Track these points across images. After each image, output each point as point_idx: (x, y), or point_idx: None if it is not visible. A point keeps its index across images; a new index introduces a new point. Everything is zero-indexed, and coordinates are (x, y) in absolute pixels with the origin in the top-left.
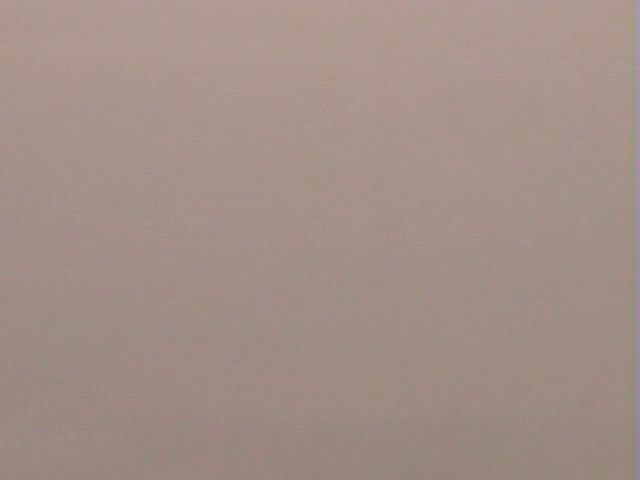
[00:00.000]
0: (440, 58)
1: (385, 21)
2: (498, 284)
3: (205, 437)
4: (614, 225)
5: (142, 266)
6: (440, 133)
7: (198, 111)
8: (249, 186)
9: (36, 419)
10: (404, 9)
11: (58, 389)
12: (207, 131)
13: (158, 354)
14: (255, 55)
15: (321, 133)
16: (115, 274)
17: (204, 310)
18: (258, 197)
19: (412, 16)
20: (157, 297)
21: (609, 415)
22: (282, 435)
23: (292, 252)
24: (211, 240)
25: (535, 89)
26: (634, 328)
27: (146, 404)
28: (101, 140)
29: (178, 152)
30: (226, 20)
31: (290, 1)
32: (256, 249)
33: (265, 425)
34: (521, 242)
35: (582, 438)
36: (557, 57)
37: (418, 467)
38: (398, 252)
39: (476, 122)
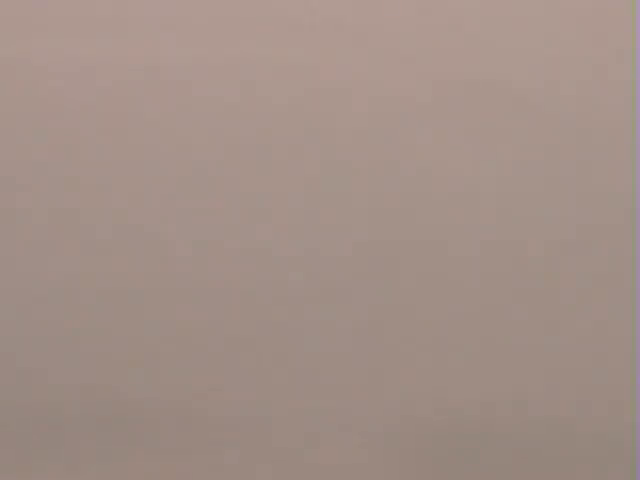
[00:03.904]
0: (440, 58)
1: (385, 21)
2: (498, 283)
3: (204, 436)
4: (614, 225)
5: (144, 267)
6: (441, 133)
7: (198, 111)
8: (248, 186)
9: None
10: (404, 9)
11: (60, 387)
12: (207, 131)
13: (158, 354)
14: (254, 55)
15: (321, 133)
16: (114, 274)
17: (205, 310)
18: (257, 197)
19: (412, 16)
20: (157, 298)
21: (609, 415)
22: (281, 434)
23: (291, 251)
24: (211, 239)
25: (535, 89)
26: (634, 328)
27: (146, 403)
28: (101, 140)
29: (177, 151)
30: (226, 20)
31: (290, 1)
32: (255, 248)
33: (264, 424)
34: (521, 242)
35: (582, 438)
36: (557, 57)
37: (418, 467)
38: (398, 252)
39: (476, 122)
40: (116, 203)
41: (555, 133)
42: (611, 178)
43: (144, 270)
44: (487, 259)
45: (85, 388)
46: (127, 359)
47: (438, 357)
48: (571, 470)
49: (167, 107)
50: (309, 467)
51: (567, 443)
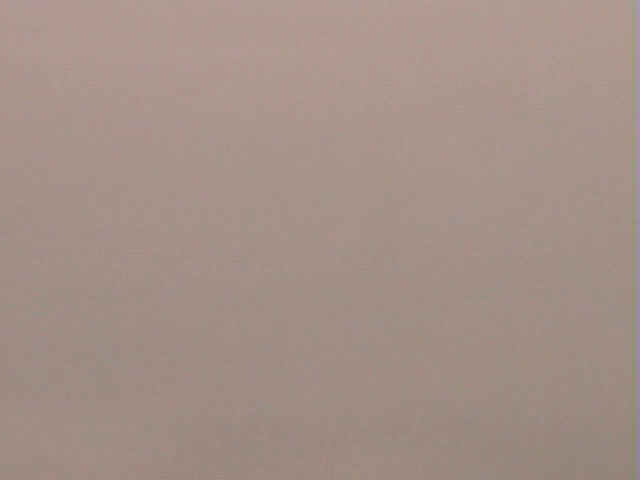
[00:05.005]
0: (440, 58)
1: (385, 21)
2: (498, 283)
3: (205, 436)
4: (614, 225)
5: (142, 266)
6: (440, 133)
7: (198, 111)
8: (248, 186)
9: (37, 417)
10: (404, 9)
11: (60, 388)
12: (206, 131)
13: (158, 354)
14: (255, 55)
15: (321, 133)
16: (115, 274)
17: (204, 310)
18: (257, 197)
19: (412, 16)
20: (157, 297)
21: (609, 415)
22: (279, 435)
23: (291, 252)
24: (210, 240)
25: (535, 89)
26: (634, 328)
27: (148, 403)
28: (100, 140)
29: (178, 152)
30: (226, 20)
31: (290, 1)
32: (255, 249)
33: (262, 424)
34: (521, 241)
35: (582, 438)
36: (557, 57)
37: (418, 467)
38: (398, 252)
39: (476, 122)
40: (116, 203)
41: (555, 133)
42: (611, 178)
43: (143, 270)
44: (487, 259)
45: (86, 388)
46: (127, 359)
47: (438, 357)
48: (571, 470)
49: (167, 107)
50: (309, 467)
51: (567, 443)
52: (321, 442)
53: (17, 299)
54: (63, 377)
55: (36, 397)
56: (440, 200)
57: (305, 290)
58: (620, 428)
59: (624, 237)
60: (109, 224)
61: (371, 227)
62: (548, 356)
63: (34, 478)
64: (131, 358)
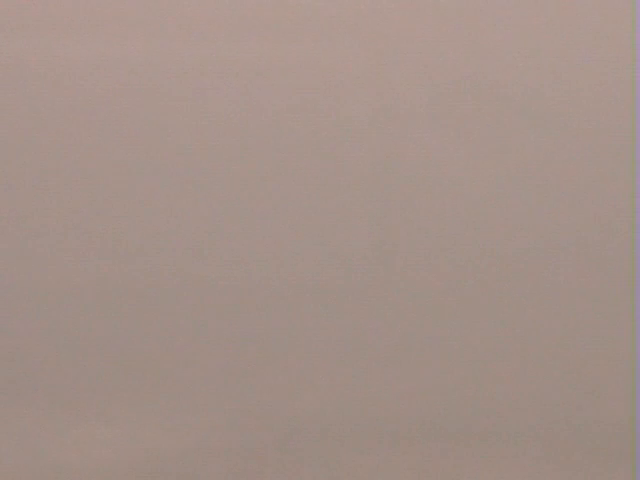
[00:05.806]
0: (440, 58)
1: (385, 21)
2: (498, 284)
3: (207, 436)
4: (614, 225)
5: (142, 266)
6: (440, 133)
7: (198, 111)
8: (248, 186)
9: (39, 419)
10: (404, 9)
11: (60, 388)
12: (207, 131)
13: (159, 354)
14: (255, 55)
15: (321, 133)
16: (115, 274)
17: (203, 310)
18: (258, 197)
19: (412, 16)
20: (157, 297)
21: (609, 417)
22: (280, 435)
23: (291, 253)
24: (210, 240)
25: (535, 89)
26: (634, 328)
27: (148, 403)
28: (100, 140)
29: (178, 152)
30: (226, 20)
31: (290, 1)
32: (255, 249)
33: (264, 425)
34: (522, 243)
35: (582, 439)
36: (557, 57)
37: (417, 467)
38: (398, 252)
39: (476, 123)
40: (115, 203)
41: (556, 133)
42: (611, 178)
43: (143, 270)
44: (487, 261)
45: (85, 388)
46: (128, 359)
47: (438, 358)
48: (572, 471)
49: (167, 107)
50: (311, 468)
51: (568, 444)
52: (322, 443)
53: (17, 299)
54: (63, 377)
55: (36, 398)
56: (440, 200)
57: (306, 291)
58: (620, 429)
59: (624, 238)
60: (109, 224)
61: (371, 228)
62: (549, 358)
63: (34, 478)
64: (131, 358)
